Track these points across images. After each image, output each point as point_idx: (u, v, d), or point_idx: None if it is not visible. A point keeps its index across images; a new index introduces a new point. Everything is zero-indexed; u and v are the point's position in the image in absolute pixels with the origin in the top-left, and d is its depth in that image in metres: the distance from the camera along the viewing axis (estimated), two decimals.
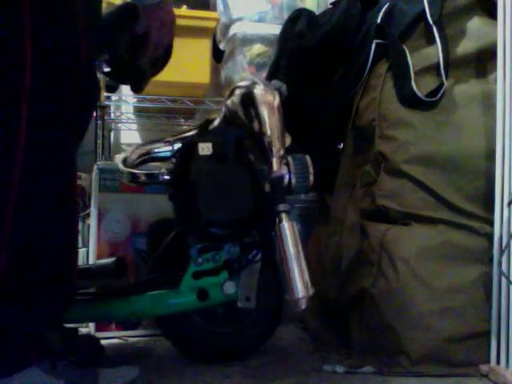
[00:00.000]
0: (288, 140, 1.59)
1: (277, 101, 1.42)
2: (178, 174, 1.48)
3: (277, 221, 1.25)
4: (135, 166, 1.60)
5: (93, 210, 1.91)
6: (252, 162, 1.45)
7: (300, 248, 1.21)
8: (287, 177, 1.36)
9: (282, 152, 1.35)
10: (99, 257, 1.90)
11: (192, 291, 1.46)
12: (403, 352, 1.36)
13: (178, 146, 1.56)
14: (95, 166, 1.94)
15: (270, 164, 1.34)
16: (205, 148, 1.46)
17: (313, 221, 2.12)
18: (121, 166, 1.57)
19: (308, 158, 1.41)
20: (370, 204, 1.56)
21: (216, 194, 1.41)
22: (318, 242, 1.87)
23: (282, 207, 1.25)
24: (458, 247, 1.40)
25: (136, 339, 1.85)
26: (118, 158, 1.65)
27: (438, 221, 1.43)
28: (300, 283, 1.16)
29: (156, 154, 1.60)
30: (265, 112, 1.40)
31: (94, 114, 2.24)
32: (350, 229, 1.59)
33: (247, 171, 1.43)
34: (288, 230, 1.21)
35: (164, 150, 1.59)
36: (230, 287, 1.48)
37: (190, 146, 1.48)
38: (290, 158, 1.38)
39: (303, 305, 1.17)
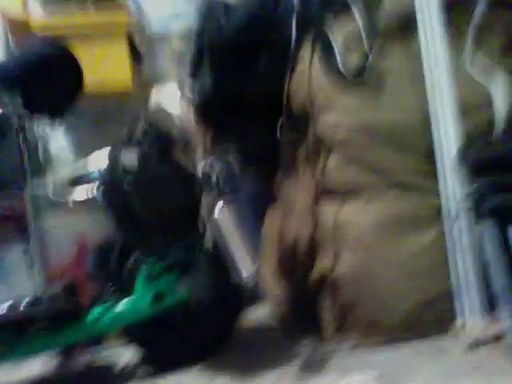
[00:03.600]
0: None
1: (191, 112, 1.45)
2: (109, 194, 1.43)
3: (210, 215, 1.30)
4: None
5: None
6: (179, 165, 1.45)
7: (234, 230, 1.26)
8: (214, 179, 1.39)
9: (205, 153, 1.40)
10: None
11: (147, 295, 1.44)
12: (374, 324, 1.38)
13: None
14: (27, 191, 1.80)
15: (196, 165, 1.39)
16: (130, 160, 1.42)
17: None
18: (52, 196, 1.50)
19: (233, 159, 1.46)
20: (316, 186, 1.56)
21: (150, 205, 1.39)
22: (272, 227, 1.84)
23: (216, 193, 1.32)
24: (407, 217, 1.43)
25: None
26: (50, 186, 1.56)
27: (383, 194, 1.46)
28: (242, 263, 1.23)
29: (86, 177, 1.54)
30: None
31: None
32: (300, 214, 1.58)
33: (175, 176, 1.43)
34: (220, 220, 1.25)
35: (91, 172, 1.53)
36: (183, 285, 1.47)
37: (115, 159, 1.43)
38: (215, 163, 1.42)
39: (252, 281, 1.21)
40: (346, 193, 1.49)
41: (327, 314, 1.49)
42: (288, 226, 1.63)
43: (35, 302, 1.49)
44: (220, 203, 1.32)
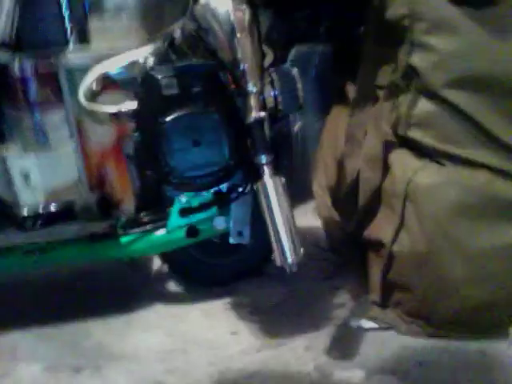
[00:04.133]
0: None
1: (247, 17, 1.05)
2: (142, 118, 1.19)
3: (259, 175, 1.03)
4: (98, 95, 1.30)
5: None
6: (225, 101, 1.15)
7: (286, 206, 1.01)
8: (272, 95, 1.11)
9: (259, 86, 1.05)
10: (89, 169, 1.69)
11: (180, 229, 1.33)
12: (424, 316, 1.20)
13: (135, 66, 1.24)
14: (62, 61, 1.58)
15: (246, 104, 1.05)
16: (169, 86, 1.12)
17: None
18: (83, 102, 1.27)
19: (295, 70, 1.15)
20: (396, 129, 1.22)
21: (186, 143, 1.14)
22: (334, 136, 1.56)
23: (263, 159, 1.03)
24: (503, 202, 1.10)
25: None
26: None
27: (480, 165, 1.11)
28: (288, 247, 1.00)
29: (115, 77, 1.28)
30: (235, 35, 1.05)
31: None
32: (369, 160, 1.28)
33: (220, 114, 1.14)
34: (271, 186, 1.00)
35: (121, 71, 1.26)
36: (220, 222, 1.34)
37: (150, 80, 1.14)
38: (274, 74, 1.13)
39: (294, 268, 1.02)
40: (430, 153, 1.16)
41: (376, 284, 1.30)
42: (351, 164, 1.35)
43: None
44: (270, 160, 1.04)
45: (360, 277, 1.42)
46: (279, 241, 1.02)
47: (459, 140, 1.13)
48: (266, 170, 1.03)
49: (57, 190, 1.67)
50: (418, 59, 1.13)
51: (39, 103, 1.64)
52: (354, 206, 1.36)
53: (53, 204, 1.48)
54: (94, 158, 1.66)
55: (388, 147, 1.25)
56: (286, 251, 1.01)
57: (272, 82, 1.12)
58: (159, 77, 1.13)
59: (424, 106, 1.15)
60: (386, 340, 1.24)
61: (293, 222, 1.03)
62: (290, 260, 1.01)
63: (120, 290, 1.57)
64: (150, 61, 1.27)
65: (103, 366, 1.25)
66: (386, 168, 1.26)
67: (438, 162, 1.17)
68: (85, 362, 1.27)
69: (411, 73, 1.14)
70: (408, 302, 1.23)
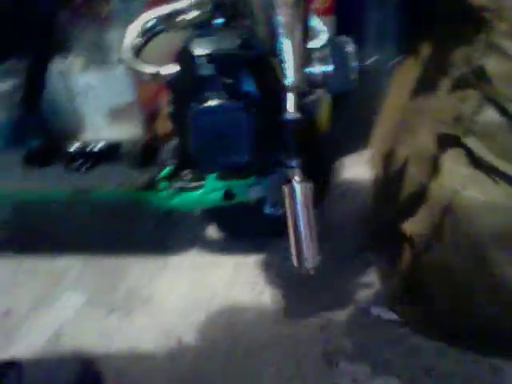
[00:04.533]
0: None
1: None
2: (175, 91, 1.13)
3: (288, 177, 0.97)
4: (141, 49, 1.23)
5: None
6: (262, 95, 1.04)
7: (311, 213, 0.97)
8: (321, 73, 1.02)
9: (298, 81, 0.93)
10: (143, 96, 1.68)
11: (218, 190, 1.35)
12: (442, 324, 1.17)
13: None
14: None
15: (283, 100, 0.94)
16: (208, 68, 1.03)
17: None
18: (124, 57, 1.21)
19: (352, 46, 1.04)
20: (455, 128, 1.08)
21: (210, 136, 1.07)
22: (398, 96, 1.41)
23: (293, 163, 0.96)
24: None
25: None
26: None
27: None
28: (306, 253, 0.98)
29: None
30: (278, 19, 0.90)
31: None
32: (419, 155, 1.16)
33: (248, 112, 1.05)
34: (299, 191, 0.95)
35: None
36: (256, 191, 1.35)
37: (186, 55, 1.05)
38: (327, 49, 1.04)
39: (310, 272, 1.02)
40: (484, 164, 1.03)
41: (401, 272, 1.26)
42: (401, 151, 1.24)
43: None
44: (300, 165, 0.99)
45: (392, 256, 1.38)
46: (299, 246, 0.99)
47: None
48: (296, 174, 0.97)
49: (113, 111, 1.71)
50: (492, 64, 0.94)
51: (104, 19, 1.62)
52: (395, 197, 1.28)
53: (100, 143, 1.51)
54: (149, 90, 1.65)
55: (442, 144, 1.13)
56: (305, 257, 1.00)
57: (323, 57, 1.01)
58: (195, 54, 1.03)
59: (489, 115, 0.99)
60: (399, 338, 1.24)
61: (314, 229, 1.00)
62: (306, 265, 1.00)
63: (159, 235, 1.64)
64: (192, 15, 1.17)
65: (132, 310, 1.38)
66: (435, 166, 1.14)
67: (491, 177, 1.04)
68: (117, 303, 1.40)
69: (482, 75, 0.97)
70: (429, 306, 1.19)
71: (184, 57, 1.07)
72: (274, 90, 0.99)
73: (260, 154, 1.09)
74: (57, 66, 1.64)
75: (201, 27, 1.12)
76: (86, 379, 1.17)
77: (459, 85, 1.06)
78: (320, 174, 1.45)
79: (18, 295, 1.46)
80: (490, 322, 1.11)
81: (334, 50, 1.04)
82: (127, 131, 1.68)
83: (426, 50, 1.25)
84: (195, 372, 1.23)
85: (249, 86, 1.04)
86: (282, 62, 0.93)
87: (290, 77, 0.92)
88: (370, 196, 1.49)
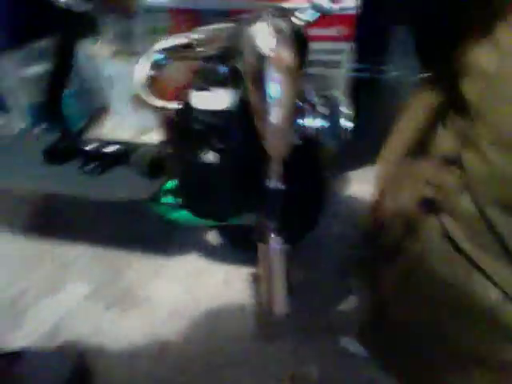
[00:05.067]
0: None
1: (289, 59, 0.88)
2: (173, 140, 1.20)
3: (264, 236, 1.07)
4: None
5: None
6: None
7: (283, 270, 1.09)
8: (313, 127, 1.07)
9: (283, 150, 0.97)
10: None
11: None
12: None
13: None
14: None
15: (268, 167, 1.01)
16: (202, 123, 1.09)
17: None
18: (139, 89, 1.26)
19: (339, 100, 1.11)
20: (434, 194, 1.11)
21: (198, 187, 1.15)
22: (406, 129, 1.43)
23: (272, 225, 1.05)
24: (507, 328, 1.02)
25: None
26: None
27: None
28: (278, 302, 1.12)
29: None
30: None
31: None
32: (399, 210, 1.20)
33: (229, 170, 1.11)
34: (274, 254, 1.06)
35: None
36: None
37: (188, 108, 1.10)
38: (318, 104, 1.08)
39: (279, 317, 1.14)
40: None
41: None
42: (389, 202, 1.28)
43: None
44: (276, 237, 1.08)
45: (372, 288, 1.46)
46: (272, 295, 1.11)
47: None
48: (273, 237, 1.05)
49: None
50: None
51: (132, 14, 1.67)
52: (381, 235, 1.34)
53: (115, 146, 1.59)
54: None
55: (424, 207, 1.16)
56: (276, 305, 1.11)
57: (314, 110, 1.05)
58: (193, 107, 1.09)
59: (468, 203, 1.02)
60: (361, 370, 1.34)
61: (286, 284, 1.10)
62: (277, 312, 1.12)
63: (159, 239, 1.75)
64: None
65: (128, 309, 1.52)
66: (412, 227, 1.19)
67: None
68: (116, 300, 1.54)
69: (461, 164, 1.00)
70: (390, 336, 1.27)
71: (184, 109, 1.13)
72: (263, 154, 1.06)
73: (240, 209, 1.17)
74: (86, 49, 1.78)
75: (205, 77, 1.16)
76: (77, 373, 1.33)
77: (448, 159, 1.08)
78: (316, 202, 1.52)
79: (28, 281, 1.62)
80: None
81: (325, 103, 1.08)
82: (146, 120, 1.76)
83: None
84: (176, 372, 1.37)
85: (240, 147, 1.11)
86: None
87: (272, 145, 0.97)
88: (361, 220, 1.54)
